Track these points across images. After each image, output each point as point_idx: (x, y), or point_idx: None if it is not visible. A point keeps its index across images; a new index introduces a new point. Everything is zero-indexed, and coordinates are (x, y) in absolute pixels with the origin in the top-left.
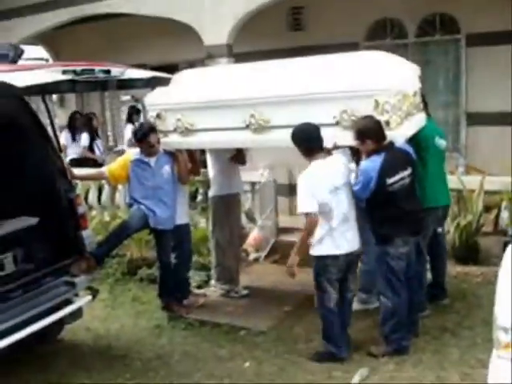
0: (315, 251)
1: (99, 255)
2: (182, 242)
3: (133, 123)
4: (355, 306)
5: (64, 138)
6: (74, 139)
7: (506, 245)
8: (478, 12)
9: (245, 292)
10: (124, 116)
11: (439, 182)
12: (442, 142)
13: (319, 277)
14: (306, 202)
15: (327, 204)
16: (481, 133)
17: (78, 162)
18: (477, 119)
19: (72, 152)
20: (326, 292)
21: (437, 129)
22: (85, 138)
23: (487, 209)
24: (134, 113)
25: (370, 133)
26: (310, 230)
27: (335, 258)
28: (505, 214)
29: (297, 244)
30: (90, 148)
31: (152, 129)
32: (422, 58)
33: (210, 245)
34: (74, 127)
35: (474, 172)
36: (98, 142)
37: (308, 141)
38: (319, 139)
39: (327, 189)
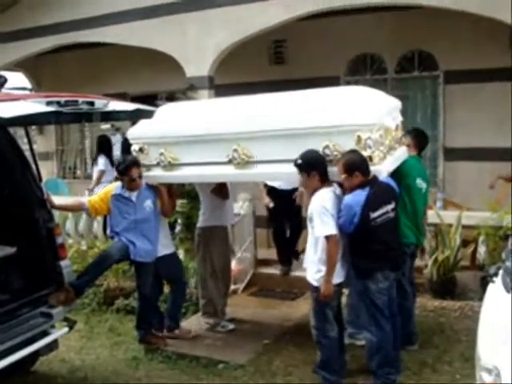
0: (321, 282)
1: (79, 286)
2: (173, 271)
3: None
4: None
5: (102, 163)
6: (112, 164)
7: (483, 280)
8: (455, 50)
9: (231, 326)
10: None
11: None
12: (421, 184)
13: (323, 307)
14: (326, 225)
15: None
16: (459, 168)
17: None
18: (455, 154)
19: (106, 180)
20: (329, 321)
21: (421, 169)
22: None
23: (465, 243)
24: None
25: (358, 165)
26: (334, 253)
27: (338, 285)
28: (482, 249)
29: (327, 271)
30: None
31: (134, 163)
32: (401, 94)
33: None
34: (111, 151)
35: (451, 207)
36: None
37: (325, 163)
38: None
39: (336, 216)
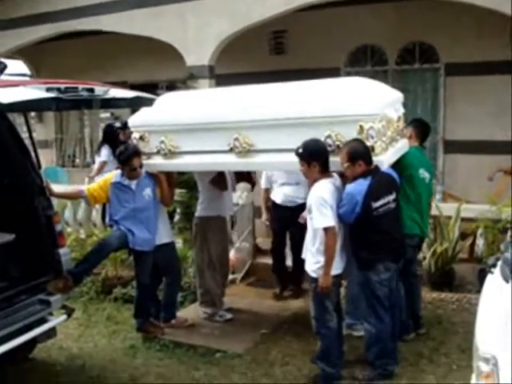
0: (319, 273)
1: (77, 274)
2: (171, 261)
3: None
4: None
5: (105, 154)
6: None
7: (481, 272)
8: (456, 42)
9: (229, 316)
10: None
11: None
12: (424, 174)
13: (323, 298)
14: (324, 216)
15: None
16: (458, 160)
17: None
18: (454, 147)
19: (108, 171)
20: (329, 312)
21: (424, 160)
22: None
23: (463, 236)
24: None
25: (361, 154)
26: (332, 245)
27: (337, 277)
28: (480, 242)
29: (326, 263)
30: None
31: (136, 152)
32: (402, 86)
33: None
34: (116, 142)
35: (450, 199)
36: None
37: (327, 154)
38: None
39: (335, 207)
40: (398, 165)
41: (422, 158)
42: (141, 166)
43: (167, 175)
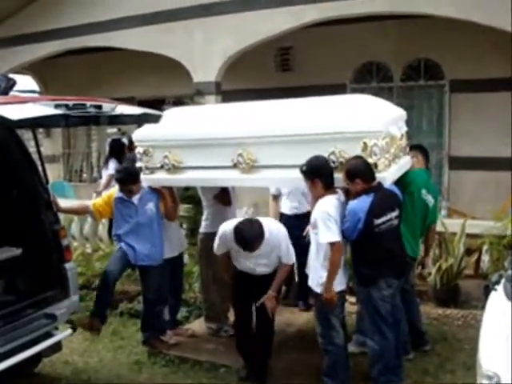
0: (323, 288)
1: (100, 315)
2: (170, 274)
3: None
4: (352, 348)
5: (113, 168)
6: None
7: (486, 288)
8: (461, 59)
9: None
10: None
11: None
12: (427, 196)
13: (328, 315)
14: (330, 231)
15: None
16: (463, 176)
17: None
18: (459, 163)
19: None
20: (335, 329)
21: (428, 182)
22: None
23: (469, 252)
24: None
25: (360, 172)
26: (338, 260)
27: (342, 292)
28: (486, 258)
29: (328, 278)
30: None
31: (136, 179)
32: (407, 102)
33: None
34: (123, 155)
35: (456, 215)
36: None
37: (330, 171)
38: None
39: (339, 223)
40: (400, 182)
41: (426, 180)
42: (138, 187)
43: (168, 190)
